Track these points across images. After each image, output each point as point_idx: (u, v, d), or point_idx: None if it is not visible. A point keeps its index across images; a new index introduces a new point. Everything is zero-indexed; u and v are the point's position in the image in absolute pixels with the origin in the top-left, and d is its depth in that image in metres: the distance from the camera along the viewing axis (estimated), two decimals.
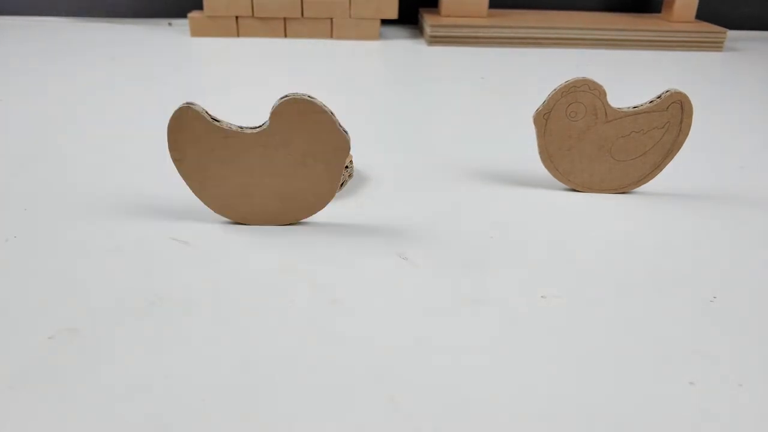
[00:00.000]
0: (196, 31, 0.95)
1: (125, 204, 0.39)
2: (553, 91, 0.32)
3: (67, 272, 0.33)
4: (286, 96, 0.30)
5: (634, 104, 0.34)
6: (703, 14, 1.12)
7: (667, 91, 0.32)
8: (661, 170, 0.33)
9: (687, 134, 0.32)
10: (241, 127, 0.31)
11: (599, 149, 0.32)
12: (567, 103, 0.32)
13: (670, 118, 0.32)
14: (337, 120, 0.30)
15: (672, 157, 0.33)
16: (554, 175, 0.33)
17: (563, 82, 0.32)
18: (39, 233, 0.36)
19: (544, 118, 0.32)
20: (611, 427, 0.24)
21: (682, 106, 0.32)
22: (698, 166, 0.43)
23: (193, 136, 0.30)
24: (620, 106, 0.33)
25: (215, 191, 0.32)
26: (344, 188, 0.36)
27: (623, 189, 0.33)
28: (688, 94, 0.32)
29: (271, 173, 0.31)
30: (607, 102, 0.32)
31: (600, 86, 0.31)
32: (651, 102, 0.32)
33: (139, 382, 0.26)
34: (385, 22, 1.12)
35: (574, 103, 0.32)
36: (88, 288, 0.31)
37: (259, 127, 0.31)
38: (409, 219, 0.36)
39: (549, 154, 0.33)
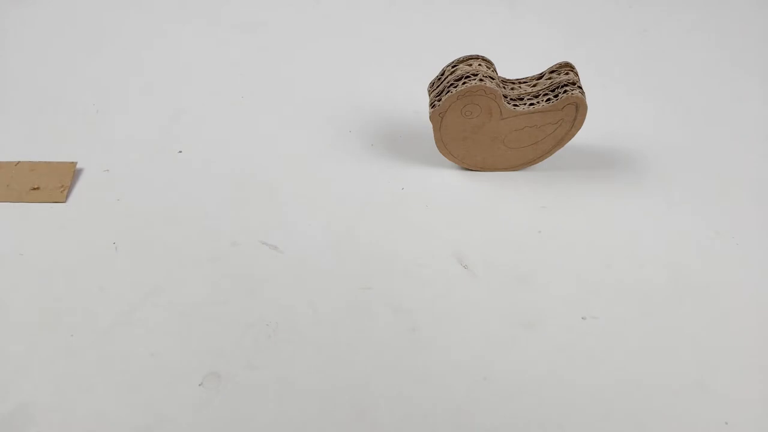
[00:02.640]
0: None
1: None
2: (448, 95, 0.33)
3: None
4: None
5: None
6: None
7: (564, 92, 0.33)
8: (551, 155, 0.36)
9: (579, 128, 0.34)
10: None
11: (493, 140, 0.34)
12: (463, 105, 0.33)
13: (564, 116, 0.33)
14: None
15: (562, 146, 0.35)
16: (449, 158, 0.36)
17: (460, 86, 0.32)
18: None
19: (439, 116, 0.33)
20: None
21: (577, 107, 0.33)
22: None
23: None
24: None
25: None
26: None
27: (513, 169, 0.36)
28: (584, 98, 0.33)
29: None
30: (502, 103, 0.33)
31: (496, 90, 0.32)
32: (548, 101, 0.33)
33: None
34: None
35: (470, 104, 0.33)
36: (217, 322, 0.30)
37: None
38: (465, 214, 0.35)
39: (444, 144, 0.35)
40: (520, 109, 0.33)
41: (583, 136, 0.37)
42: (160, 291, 0.31)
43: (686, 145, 0.39)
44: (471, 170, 0.37)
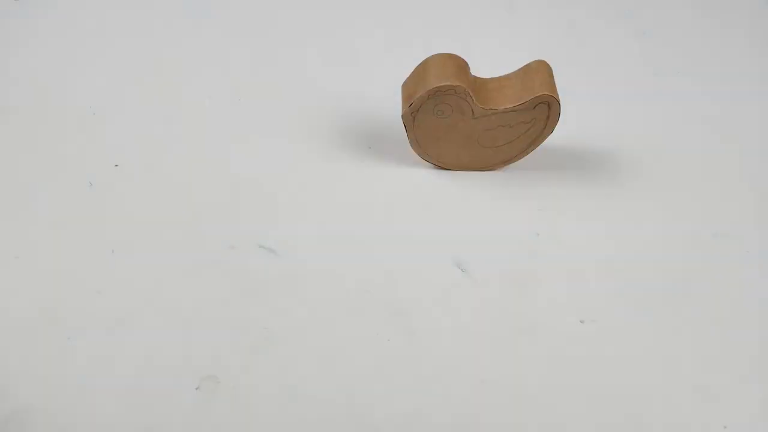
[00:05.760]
0: None
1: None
2: (419, 95, 0.33)
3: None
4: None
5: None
6: None
7: (536, 96, 0.33)
8: (527, 155, 0.35)
9: (552, 128, 0.34)
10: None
11: (467, 139, 0.34)
12: (434, 104, 0.33)
13: (537, 115, 0.33)
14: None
15: (537, 146, 0.35)
16: (423, 158, 0.35)
17: (431, 86, 0.33)
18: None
19: (411, 116, 0.34)
20: None
21: (549, 106, 0.33)
22: None
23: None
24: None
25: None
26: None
27: (490, 168, 0.36)
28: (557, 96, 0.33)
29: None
30: (474, 102, 0.33)
31: (466, 89, 0.32)
32: (521, 103, 0.33)
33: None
34: None
35: (441, 104, 0.33)
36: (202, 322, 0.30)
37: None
38: (463, 217, 0.35)
39: (418, 143, 0.35)
40: (492, 107, 0.33)
41: (582, 136, 0.37)
42: (157, 294, 0.31)
43: (686, 145, 0.39)
44: (447, 169, 0.37)
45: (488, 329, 0.30)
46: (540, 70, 0.33)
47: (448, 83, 0.32)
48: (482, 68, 0.35)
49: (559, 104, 0.33)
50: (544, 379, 0.29)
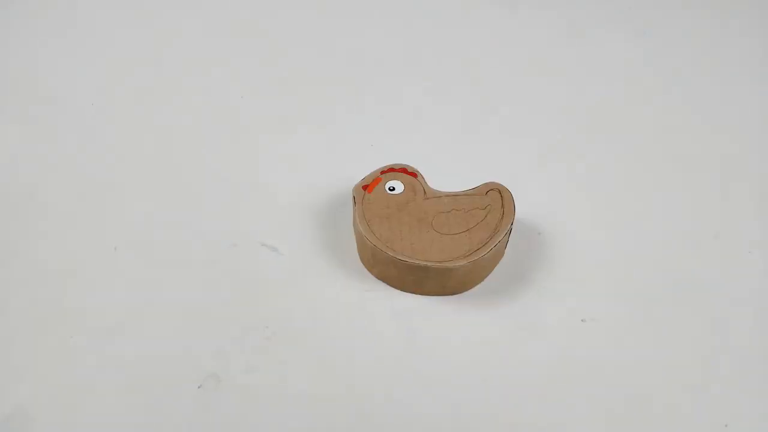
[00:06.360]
0: None
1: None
2: (372, 172, 0.34)
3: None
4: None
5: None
6: None
7: (484, 184, 0.34)
8: (492, 246, 0.32)
9: (511, 216, 0.33)
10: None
11: (419, 221, 0.33)
12: (386, 179, 0.34)
13: (491, 201, 0.33)
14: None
15: (501, 236, 0.32)
16: (373, 242, 0.32)
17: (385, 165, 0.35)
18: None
19: (363, 189, 0.34)
20: None
21: (500, 193, 0.34)
22: None
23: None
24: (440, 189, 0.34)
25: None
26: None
27: (451, 261, 0.32)
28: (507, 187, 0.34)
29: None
30: (425, 183, 0.34)
31: (417, 171, 0.34)
32: (472, 188, 0.34)
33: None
34: None
35: (394, 179, 0.34)
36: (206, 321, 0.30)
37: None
38: None
39: (367, 220, 0.33)
40: (443, 191, 0.34)
41: (584, 129, 0.37)
42: (159, 292, 0.31)
43: (686, 145, 0.39)
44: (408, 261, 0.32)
45: (489, 328, 0.30)
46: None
47: (403, 164, 0.34)
48: (483, 67, 0.35)
49: (510, 192, 0.33)
50: (545, 378, 0.29)
